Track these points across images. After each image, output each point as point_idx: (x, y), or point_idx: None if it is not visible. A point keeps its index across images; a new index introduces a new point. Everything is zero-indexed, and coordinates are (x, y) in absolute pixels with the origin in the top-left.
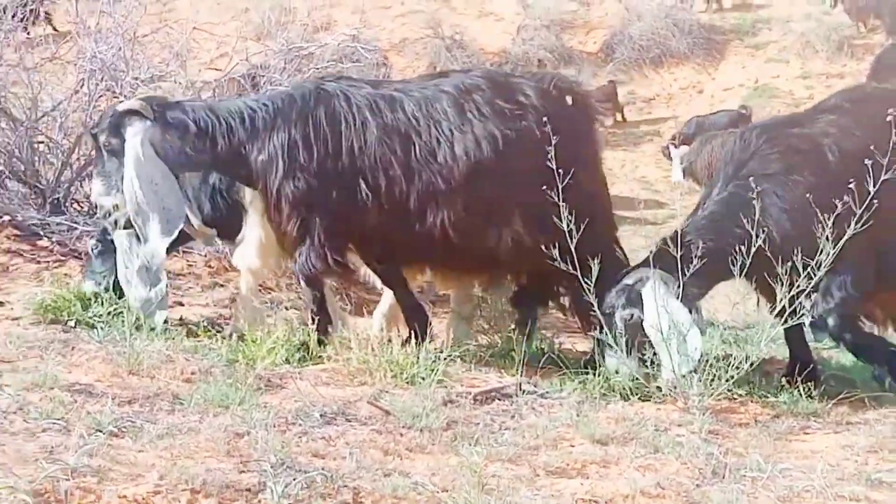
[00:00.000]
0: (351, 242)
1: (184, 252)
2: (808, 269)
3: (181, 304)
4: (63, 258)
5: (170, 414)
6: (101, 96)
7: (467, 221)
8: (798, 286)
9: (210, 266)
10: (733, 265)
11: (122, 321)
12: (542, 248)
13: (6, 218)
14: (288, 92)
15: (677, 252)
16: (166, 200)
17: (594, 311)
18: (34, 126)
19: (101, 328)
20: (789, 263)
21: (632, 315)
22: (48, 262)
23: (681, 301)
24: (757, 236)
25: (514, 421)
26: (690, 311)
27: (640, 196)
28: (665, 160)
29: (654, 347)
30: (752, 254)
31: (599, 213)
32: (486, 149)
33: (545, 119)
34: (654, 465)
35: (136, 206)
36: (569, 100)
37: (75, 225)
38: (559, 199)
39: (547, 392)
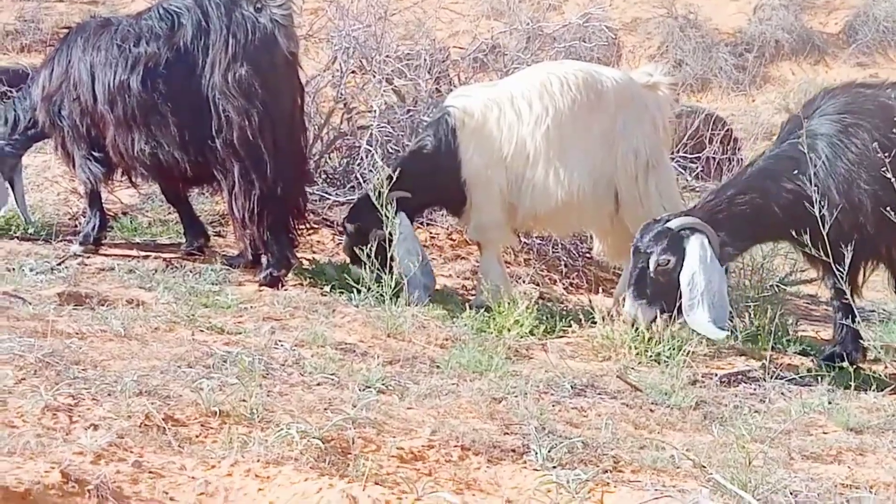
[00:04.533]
0: None
1: (427, 224)
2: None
3: None
4: (316, 227)
5: (428, 376)
6: (351, 72)
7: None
8: None
9: (451, 238)
10: (775, 226)
11: (380, 287)
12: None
13: None
14: None
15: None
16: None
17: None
18: None
19: (358, 293)
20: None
21: (668, 261)
22: (302, 229)
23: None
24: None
25: (763, 405)
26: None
27: None
28: None
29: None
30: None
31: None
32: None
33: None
34: None
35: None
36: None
37: (327, 195)
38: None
39: (795, 378)
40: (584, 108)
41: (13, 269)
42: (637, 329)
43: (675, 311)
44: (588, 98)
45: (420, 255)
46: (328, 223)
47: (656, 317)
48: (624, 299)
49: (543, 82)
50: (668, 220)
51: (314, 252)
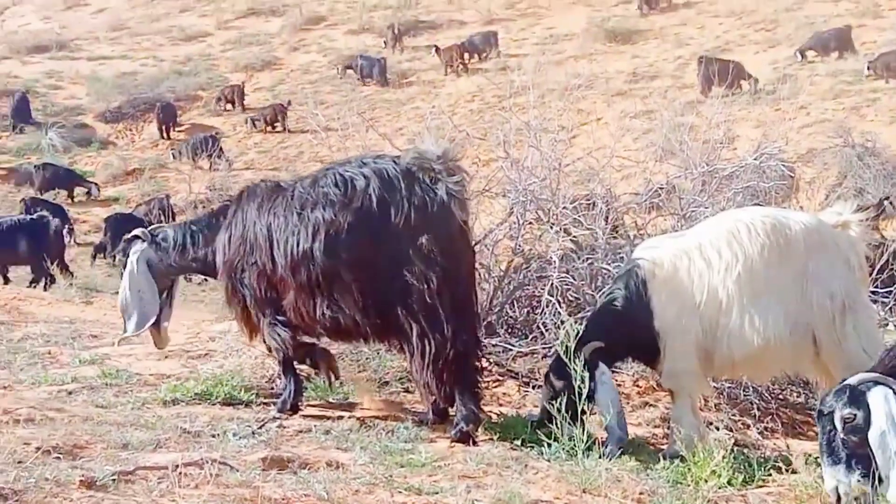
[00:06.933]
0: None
1: (612, 371)
2: None
3: None
4: (500, 378)
5: None
6: (528, 224)
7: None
8: None
9: (638, 385)
10: None
11: (571, 441)
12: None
13: None
14: None
15: None
16: None
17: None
18: None
19: (549, 446)
20: None
21: (854, 416)
22: (487, 381)
23: None
24: None
25: None
26: None
27: None
28: None
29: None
30: None
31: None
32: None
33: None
34: None
35: None
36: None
37: (510, 346)
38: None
39: None
40: (774, 254)
41: (217, 434)
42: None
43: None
44: (777, 243)
45: (619, 407)
46: (513, 374)
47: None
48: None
49: (731, 230)
50: (845, 379)
51: (500, 405)
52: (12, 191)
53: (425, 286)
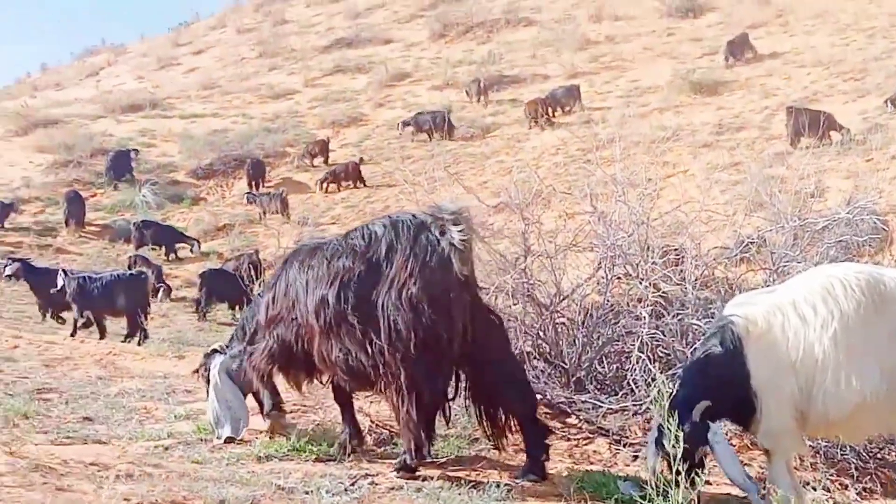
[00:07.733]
0: None
1: None
2: None
3: (709, 484)
4: (591, 435)
5: None
6: (617, 278)
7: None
8: None
9: (732, 444)
10: None
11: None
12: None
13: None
14: None
15: None
16: None
17: None
18: (557, 309)
19: None
20: None
21: None
22: (577, 439)
23: None
24: None
25: None
26: None
27: None
28: None
29: None
30: None
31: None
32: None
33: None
34: None
35: None
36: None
37: (600, 403)
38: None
39: None
40: (870, 310)
41: (311, 491)
42: None
43: None
44: (872, 300)
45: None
46: (603, 432)
47: None
48: None
49: (825, 286)
50: None
51: (591, 463)
52: (107, 247)
53: (412, 335)
